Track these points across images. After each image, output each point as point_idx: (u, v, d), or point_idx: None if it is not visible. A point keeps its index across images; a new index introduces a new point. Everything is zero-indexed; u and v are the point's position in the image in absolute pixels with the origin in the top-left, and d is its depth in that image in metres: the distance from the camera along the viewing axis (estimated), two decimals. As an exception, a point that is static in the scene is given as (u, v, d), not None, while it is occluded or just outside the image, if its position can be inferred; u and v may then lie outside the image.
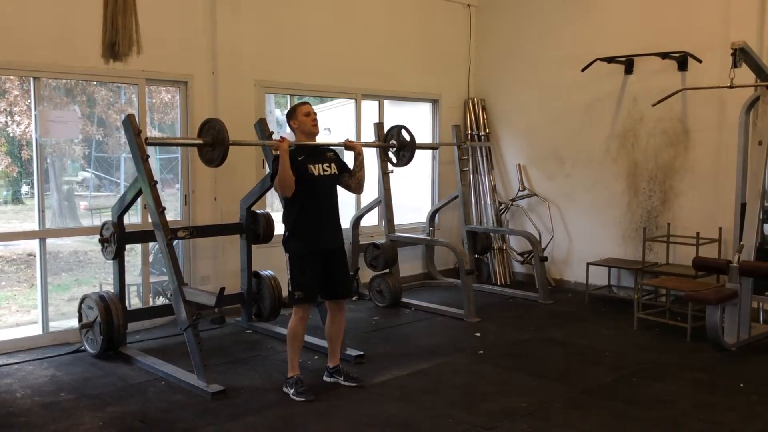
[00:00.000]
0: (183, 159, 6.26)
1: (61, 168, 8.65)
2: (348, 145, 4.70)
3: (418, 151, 8.25)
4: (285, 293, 5.91)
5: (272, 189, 5.62)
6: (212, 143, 4.44)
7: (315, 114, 4.53)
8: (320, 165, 4.44)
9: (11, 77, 6.61)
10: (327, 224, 4.48)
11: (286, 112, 4.71)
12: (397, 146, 5.66)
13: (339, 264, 4.55)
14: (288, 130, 4.70)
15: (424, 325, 6.30)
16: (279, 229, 5.91)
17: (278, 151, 4.29)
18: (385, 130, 7.08)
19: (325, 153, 4.56)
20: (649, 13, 6.96)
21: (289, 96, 7.30)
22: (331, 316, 4.65)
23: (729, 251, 6.26)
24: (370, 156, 7.38)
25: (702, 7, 6.59)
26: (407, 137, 5.59)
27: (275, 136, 5.62)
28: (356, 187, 4.65)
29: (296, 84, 6.94)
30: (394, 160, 5.78)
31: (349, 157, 4.74)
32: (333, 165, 4.52)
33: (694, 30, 6.61)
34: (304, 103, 4.60)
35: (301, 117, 4.47)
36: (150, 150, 5.87)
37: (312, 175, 4.38)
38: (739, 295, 5.36)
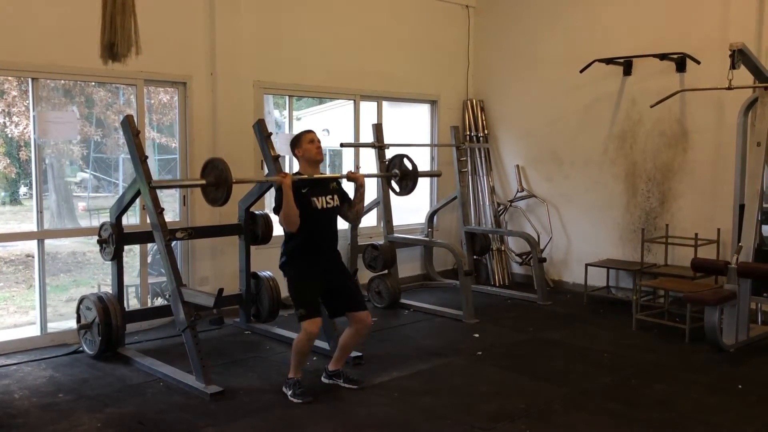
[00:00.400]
0: (181, 160, 6.26)
1: (60, 169, 8.65)
2: (351, 177, 4.66)
3: (417, 152, 8.32)
4: (284, 294, 5.95)
5: (271, 189, 5.65)
6: (215, 183, 4.46)
7: (319, 141, 4.53)
8: (324, 198, 4.44)
9: (9, 78, 6.61)
10: (325, 254, 4.49)
11: (289, 140, 4.72)
12: (399, 175, 5.68)
13: (345, 279, 4.56)
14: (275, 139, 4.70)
15: (423, 326, 6.30)
16: (277, 230, 5.92)
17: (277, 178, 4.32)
18: (384, 133, 7.13)
19: (329, 184, 4.55)
20: (648, 15, 6.97)
21: (287, 97, 7.29)
22: (355, 330, 4.55)
23: (727, 252, 6.26)
24: (369, 157, 7.40)
25: (700, 9, 6.60)
26: (409, 166, 5.61)
27: (273, 137, 5.61)
28: (354, 218, 4.71)
29: (295, 85, 6.94)
30: (397, 189, 5.79)
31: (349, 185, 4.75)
32: (336, 197, 4.52)
33: (692, 31, 6.62)
34: (309, 131, 4.59)
35: (305, 144, 4.48)
36: (149, 151, 5.87)
37: (315, 209, 4.38)
38: (737, 297, 5.37)
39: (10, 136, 8.09)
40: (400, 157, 5.71)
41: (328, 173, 4.53)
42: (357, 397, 4.43)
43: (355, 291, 4.61)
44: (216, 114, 6.30)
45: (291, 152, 4.62)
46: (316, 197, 4.40)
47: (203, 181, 4.52)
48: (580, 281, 7.34)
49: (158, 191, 4.88)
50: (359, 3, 7.43)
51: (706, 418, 4.09)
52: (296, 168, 4.67)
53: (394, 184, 5.77)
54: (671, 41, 6.71)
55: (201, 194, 6.17)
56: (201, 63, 6.18)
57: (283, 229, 4.45)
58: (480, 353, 5.41)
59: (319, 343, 5.16)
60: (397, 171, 5.71)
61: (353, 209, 4.59)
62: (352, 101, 7.53)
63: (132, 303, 6.30)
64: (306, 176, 4.45)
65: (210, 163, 4.54)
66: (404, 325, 6.31)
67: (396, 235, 7.17)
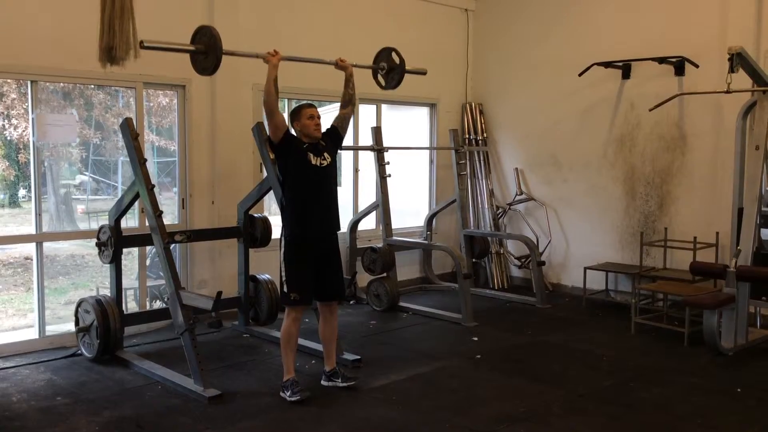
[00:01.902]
0: (180, 162, 6.26)
1: (59, 171, 8.63)
2: (340, 65, 4.88)
3: (416, 155, 8.33)
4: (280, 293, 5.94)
5: (270, 193, 5.64)
6: (205, 51, 4.40)
7: (319, 117, 4.54)
8: (318, 158, 4.49)
9: (9, 80, 6.61)
10: (324, 211, 4.50)
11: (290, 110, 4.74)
12: (386, 69, 5.60)
13: (332, 266, 4.58)
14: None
15: (422, 329, 6.29)
16: (276, 232, 5.92)
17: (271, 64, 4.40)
18: (383, 136, 7.12)
19: (318, 145, 4.56)
20: (647, 18, 6.98)
21: (286, 100, 7.29)
22: (322, 319, 4.68)
23: (726, 256, 6.26)
24: (368, 160, 7.39)
25: (699, 13, 6.61)
26: (397, 61, 5.53)
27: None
28: (348, 100, 4.82)
29: (294, 88, 6.92)
30: (383, 83, 5.70)
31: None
32: (326, 154, 4.54)
33: (691, 35, 6.63)
34: (310, 105, 4.60)
35: (304, 120, 4.49)
36: (148, 153, 5.87)
37: (310, 163, 4.44)
38: (736, 300, 5.36)
39: (9, 138, 8.07)
40: (388, 51, 5.59)
41: (326, 159, 4.53)
42: (356, 400, 4.43)
43: (336, 281, 4.62)
44: (215, 117, 6.30)
45: (290, 123, 4.62)
46: (312, 154, 4.46)
47: (193, 47, 4.44)
48: (579, 284, 7.33)
49: (157, 195, 4.87)
50: (358, 5, 7.44)
51: (704, 422, 4.09)
52: None
53: (380, 77, 5.68)
54: (670, 45, 6.72)
55: (199, 196, 6.26)
56: (200, 66, 6.17)
57: (282, 194, 4.45)
58: (479, 356, 5.40)
59: (318, 346, 5.15)
60: (384, 64, 5.62)
61: (345, 92, 4.78)
62: (351, 104, 7.51)
63: (130, 306, 6.29)
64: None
65: (200, 30, 4.45)
66: (403, 329, 6.31)
67: (395, 238, 7.16)
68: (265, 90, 4.39)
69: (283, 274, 4.44)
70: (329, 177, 4.56)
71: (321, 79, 7.10)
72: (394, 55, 5.48)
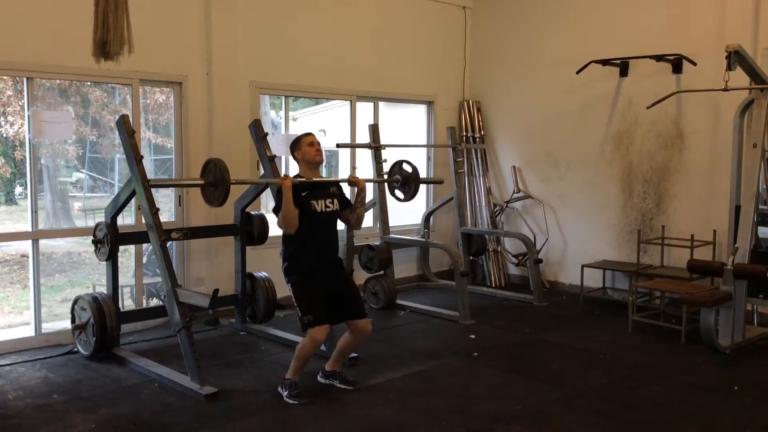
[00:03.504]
0: (177, 159, 6.24)
1: (55, 169, 8.63)
2: (352, 182, 4.69)
3: (413, 153, 8.32)
4: (279, 296, 5.94)
5: (267, 191, 5.64)
6: (214, 183, 4.46)
7: (319, 144, 4.51)
8: (323, 201, 4.42)
9: (5, 77, 6.59)
10: (326, 259, 4.45)
11: (289, 144, 4.69)
12: (401, 181, 5.66)
13: (345, 286, 4.50)
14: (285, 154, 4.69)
15: (419, 327, 6.29)
16: (273, 230, 5.91)
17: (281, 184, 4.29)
18: (380, 133, 7.13)
19: (329, 188, 4.54)
20: (644, 16, 6.97)
21: (284, 97, 7.28)
22: (354, 337, 4.51)
23: (723, 254, 6.26)
24: (367, 159, 7.38)
25: (697, 10, 6.60)
26: (409, 169, 5.59)
27: (269, 138, 5.60)
28: (355, 223, 4.66)
29: (291, 85, 6.93)
30: (401, 196, 5.74)
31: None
32: (335, 201, 4.50)
33: (689, 33, 6.62)
34: (308, 133, 4.57)
35: (305, 147, 4.46)
36: (144, 151, 5.85)
37: (315, 212, 4.37)
38: (733, 298, 5.37)
39: (5, 135, 8.07)
40: (399, 163, 5.70)
41: (325, 174, 4.50)
42: (353, 398, 4.42)
43: (356, 299, 4.56)
44: (212, 114, 6.28)
45: (291, 155, 4.61)
46: (315, 200, 4.39)
47: (202, 181, 4.53)
48: (576, 282, 7.33)
49: (153, 191, 4.86)
50: (356, 3, 7.43)
51: (701, 420, 4.09)
52: (293, 169, 4.65)
53: (398, 192, 5.74)
54: (667, 42, 6.71)
55: (196, 195, 6.24)
56: (197, 63, 6.17)
57: (282, 234, 4.43)
58: (476, 354, 5.40)
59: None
60: (398, 177, 5.67)
61: (354, 213, 4.57)
62: (349, 102, 7.52)
63: (127, 303, 6.30)
64: (306, 179, 4.42)
65: (209, 163, 4.55)
66: (400, 326, 6.30)
67: (392, 235, 7.16)
68: (285, 211, 4.21)
69: (294, 299, 4.36)
70: (333, 223, 4.51)
71: (320, 77, 7.13)
72: (405, 165, 5.54)
